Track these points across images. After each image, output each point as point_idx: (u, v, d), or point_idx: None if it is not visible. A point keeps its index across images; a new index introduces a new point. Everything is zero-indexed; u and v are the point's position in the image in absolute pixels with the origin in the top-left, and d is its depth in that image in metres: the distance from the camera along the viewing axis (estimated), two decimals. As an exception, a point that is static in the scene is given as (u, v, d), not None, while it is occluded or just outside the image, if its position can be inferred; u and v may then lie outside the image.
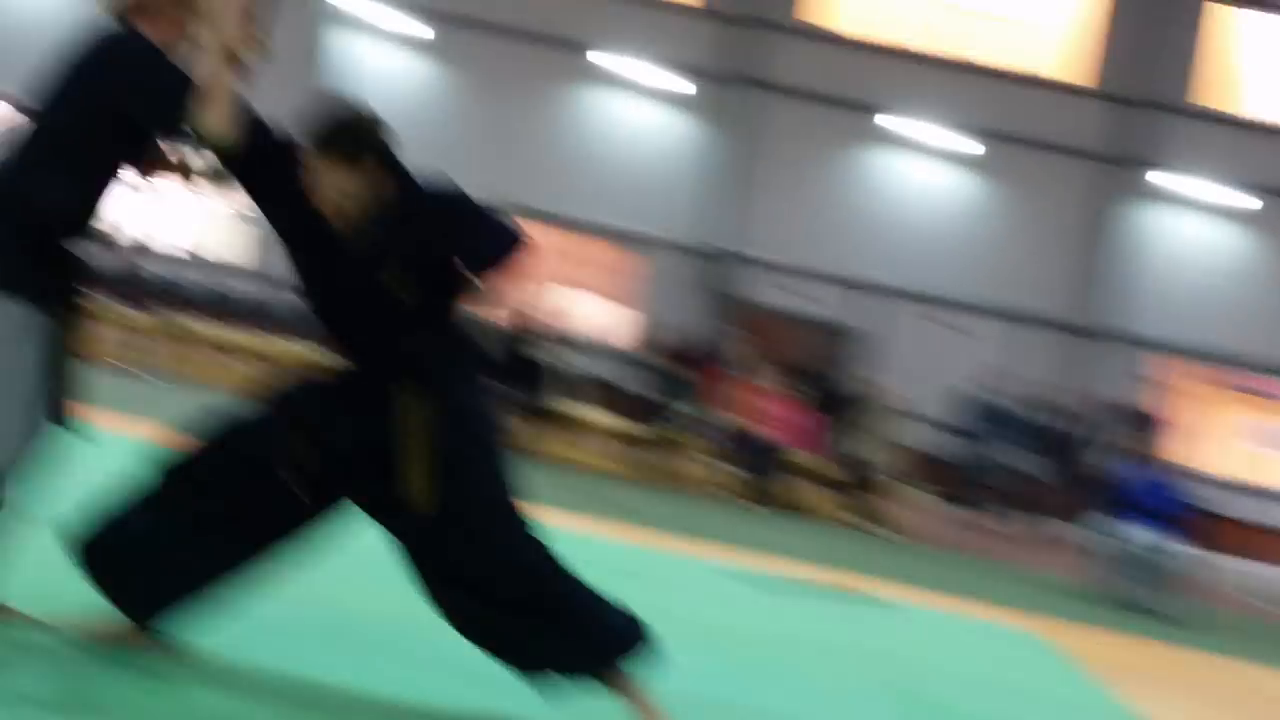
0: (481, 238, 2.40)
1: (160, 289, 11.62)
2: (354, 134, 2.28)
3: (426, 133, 10.96)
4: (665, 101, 13.46)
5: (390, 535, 2.39)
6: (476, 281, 2.39)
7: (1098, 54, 13.19)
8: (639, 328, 13.01)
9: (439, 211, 2.43)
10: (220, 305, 12.03)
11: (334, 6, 13.05)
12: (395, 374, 2.32)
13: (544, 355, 9.45)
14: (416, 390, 2.30)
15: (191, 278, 12.55)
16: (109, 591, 2.31)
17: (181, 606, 2.35)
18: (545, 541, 2.38)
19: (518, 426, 8.14)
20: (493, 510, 2.38)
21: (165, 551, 2.29)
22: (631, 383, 10.74)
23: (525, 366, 9.15)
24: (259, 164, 2.27)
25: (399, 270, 2.32)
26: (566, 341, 10.37)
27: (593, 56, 13.17)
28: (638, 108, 13.47)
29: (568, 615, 2.38)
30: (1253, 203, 13.04)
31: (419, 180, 2.39)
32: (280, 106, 2.47)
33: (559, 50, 13.04)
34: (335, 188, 2.25)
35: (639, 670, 2.41)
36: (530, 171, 12.76)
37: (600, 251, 13.74)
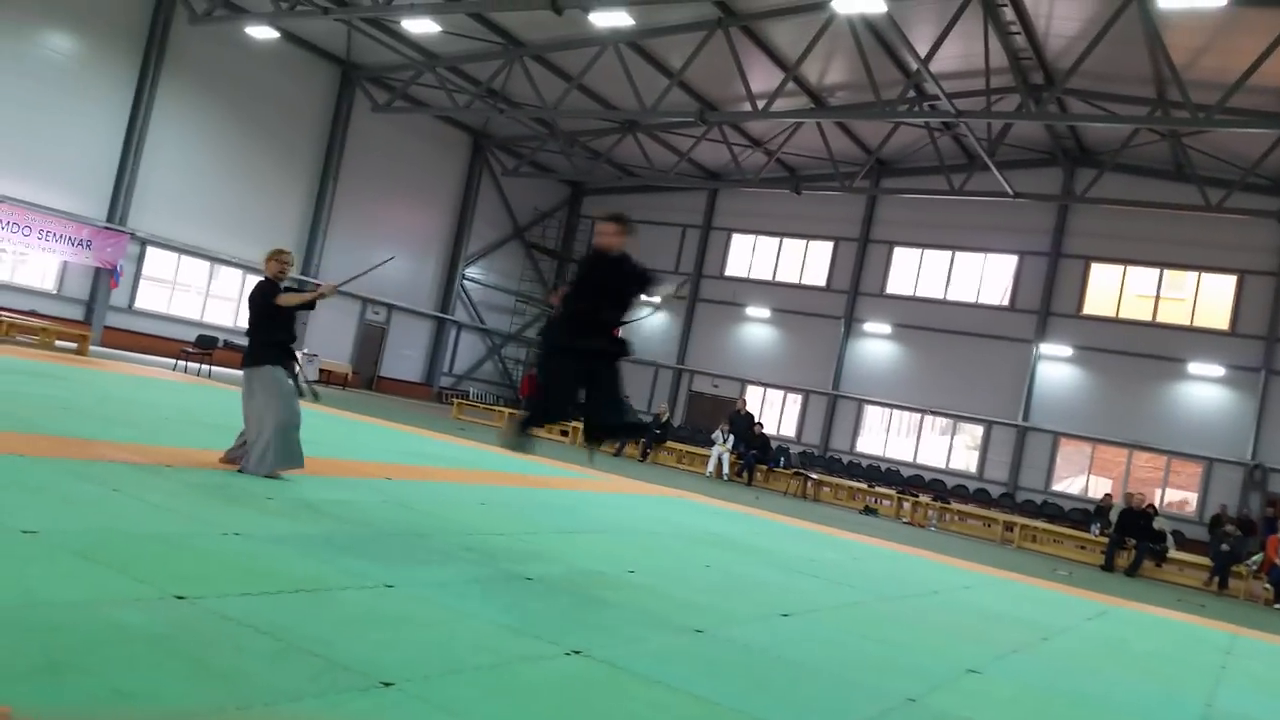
0: (646, 280, 5.80)
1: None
2: (628, 224, 5.74)
3: (1074, 403, 22.26)
4: (1214, 382, 23.25)
5: (592, 374, 5.67)
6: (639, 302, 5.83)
7: None
8: (1204, 507, 22.39)
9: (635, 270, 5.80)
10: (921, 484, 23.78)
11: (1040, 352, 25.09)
12: (603, 336, 5.72)
13: (1157, 525, 16.70)
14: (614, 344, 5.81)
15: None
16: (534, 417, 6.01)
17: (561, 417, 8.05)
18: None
19: (1148, 567, 16.11)
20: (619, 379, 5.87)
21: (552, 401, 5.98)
22: (1208, 537, 19.89)
23: (1153, 534, 16.34)
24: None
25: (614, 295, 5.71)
26: (1163, 516, 19.60)
27: (1190, 366, 23.58)
28: (1204, 389, 23.41)
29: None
30: None
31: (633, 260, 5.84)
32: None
33: (1161, 362, 23.64)
34: (611, 239, 5.69)
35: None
36: (1143, 426, 23.37)
37: (1180, 465, 23.58)
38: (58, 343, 17.18)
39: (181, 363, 19.16)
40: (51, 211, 20.26)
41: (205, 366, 19.09)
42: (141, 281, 22.50)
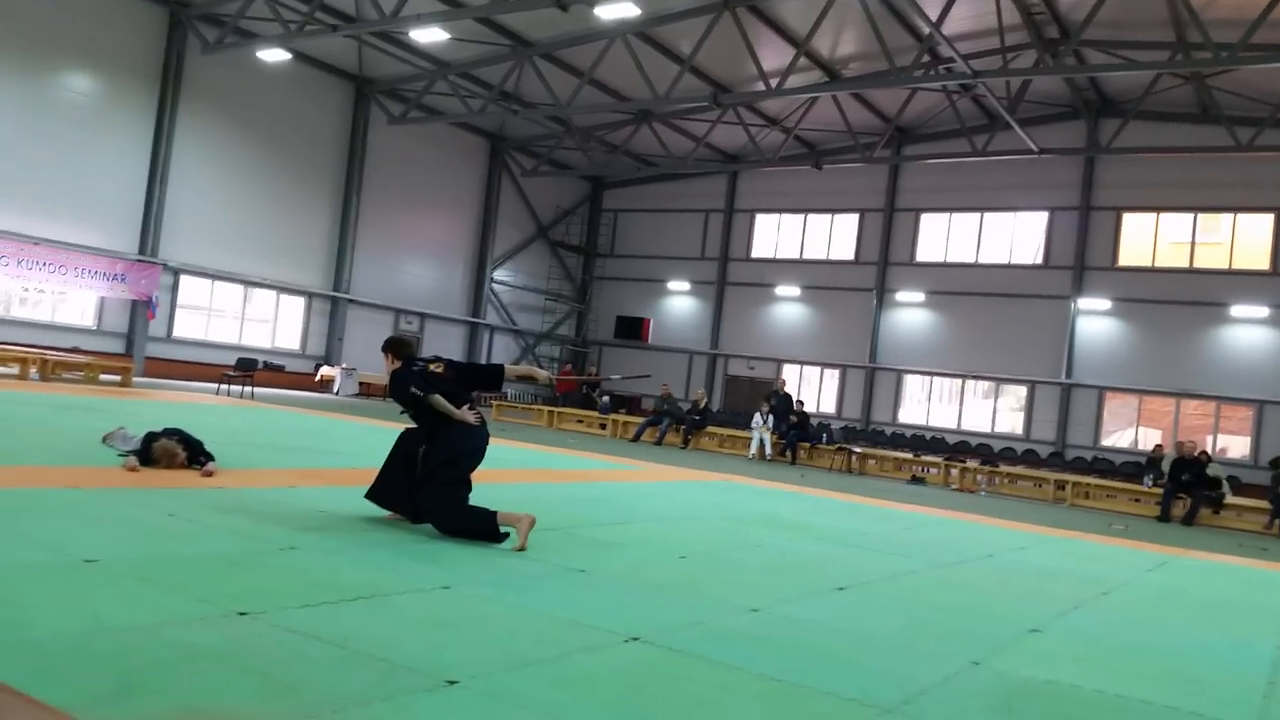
0: (490, 380, 6.57)
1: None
2: (409, 349, 6.09)
3: (1118, 357, 21.85)
4: (1259, 323, 22.78)
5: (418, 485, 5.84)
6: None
7: None
8: (1259, 450, 21.99)
9: (472, 370, 6.45)
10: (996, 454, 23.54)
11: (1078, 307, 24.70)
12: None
13: (1211, 471, 16.61)
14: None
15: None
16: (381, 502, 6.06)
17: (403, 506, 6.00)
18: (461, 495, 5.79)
19: (1204, 514, 15.74)
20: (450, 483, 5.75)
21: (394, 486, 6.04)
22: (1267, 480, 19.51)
23: (1207, 481, 16.09)
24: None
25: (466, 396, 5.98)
26: (1217, 462, 19.29)
27: (1232, 310, 23.11)
28: (1248, 331, 22.96)
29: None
30: None
31: (463, 362, 6.83)
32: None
33: (1202, 308, 23.23)
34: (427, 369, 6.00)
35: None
36: (1189, 374, 22.97)
37: (1230, 410, 23.18)
38: (102, 377, 17.47)
39: (224, 386, 19.43)
40: (85, 249, 20.60)
41: (247, 388, 19.34)
42: (178, 310, 22.83)
